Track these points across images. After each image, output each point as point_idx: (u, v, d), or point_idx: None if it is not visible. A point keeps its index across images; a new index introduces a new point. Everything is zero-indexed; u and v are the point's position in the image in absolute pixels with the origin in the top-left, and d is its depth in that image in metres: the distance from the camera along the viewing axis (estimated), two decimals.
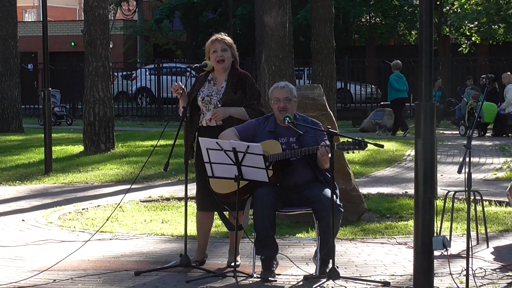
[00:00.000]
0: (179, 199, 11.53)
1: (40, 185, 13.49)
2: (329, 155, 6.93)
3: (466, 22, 36.16)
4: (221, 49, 7.52)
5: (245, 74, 7.57)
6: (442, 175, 13.93)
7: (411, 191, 11.28)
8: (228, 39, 7.60)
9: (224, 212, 7.56)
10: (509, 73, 24.05)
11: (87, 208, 10.99)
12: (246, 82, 7.51)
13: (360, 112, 29.63)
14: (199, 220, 7.71)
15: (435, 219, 6.52)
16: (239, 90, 7.47)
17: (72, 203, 11.47)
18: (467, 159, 6.24)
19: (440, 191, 9.11)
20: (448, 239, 7.87)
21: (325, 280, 6.81)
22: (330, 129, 6.97)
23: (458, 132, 23.68)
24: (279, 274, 7.15)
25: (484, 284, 6.79)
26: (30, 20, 62.88)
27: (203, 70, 7.59)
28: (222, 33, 7.70)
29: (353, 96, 33.62)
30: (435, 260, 6.59)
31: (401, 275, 7.13)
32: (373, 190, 12.24)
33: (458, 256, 7.82)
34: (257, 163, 6.87)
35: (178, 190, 12.38)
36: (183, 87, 7.51)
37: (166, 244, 8.67)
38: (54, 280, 7.10)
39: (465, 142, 6.35)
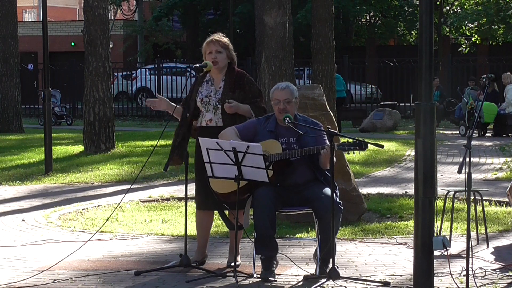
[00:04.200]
0: (179, 199, 11.53)
1: (40, 185, 13.49)
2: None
3: (466, 22, 36.16)
4: (215, 51, 7.55)
5: (242, 73, 7.60)
6: (442, 175, 13.93)
7: (411, 191, 11.28)
8: (225, 40, 7.62)
9: (224, 211, 7.56)
10: (509, 73, 24.05)
11: (87, 208, 10.99)
12: (244, 81, 7.54)
13: (360, 112, 29.64)
14: (199, 219, 7.71)
15: (435, 219, 6.52)
16: (238, 90, 7.50)
17: (72, 203, 11.47)
18: (467, 159, 6.24)
19: (440, 191, 9.12)
20: (448, 239, 7.87)
21: (325, 280, 6.81)
22: (330, 129, 6.97)
23: (458, 132, 23.69)
24: (279, 274, 7.15)
25: (484, 284, 6.79)
26: (30, 20, 62.87)
27: (203, 70, 7.60)
28: (220, 34, 7.71)
29: (353, 96, 33.63)
30: (435, 260, 6.59)
31: (401, 275, 7.13)
32: (373, 190, 12.24)
33: (458, 256, 7.82)
34: (257, 163, 6.87)
35: (178, 190, 12.38)
36: (160, 99, 7.59)
37: (166, 244, 8.67)
38: (54, 280, 7.10)
39: (465, 142, 6.35)
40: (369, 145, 7.12)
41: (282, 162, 7.14)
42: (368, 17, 42.94)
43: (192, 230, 8.21)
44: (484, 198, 8.92)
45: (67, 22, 48.33)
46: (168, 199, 11.66)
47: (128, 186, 11.66)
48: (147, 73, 36.16)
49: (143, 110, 34.59)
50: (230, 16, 32.87)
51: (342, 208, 7.07)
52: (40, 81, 33.18)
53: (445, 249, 6.81)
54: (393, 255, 7.95)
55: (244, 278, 7.07)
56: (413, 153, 14.49)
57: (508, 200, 9.14)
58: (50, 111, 15.53)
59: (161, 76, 34.09)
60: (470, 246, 6.38)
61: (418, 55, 6.49)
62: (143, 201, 11.56)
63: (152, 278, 7.13)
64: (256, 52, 15.95)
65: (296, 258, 7.71)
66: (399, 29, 41.78)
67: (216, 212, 7.72)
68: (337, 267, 6.89)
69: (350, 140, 7.01)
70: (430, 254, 6.44)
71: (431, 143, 6.47)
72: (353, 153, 7.06)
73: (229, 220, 7.51)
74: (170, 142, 20.56)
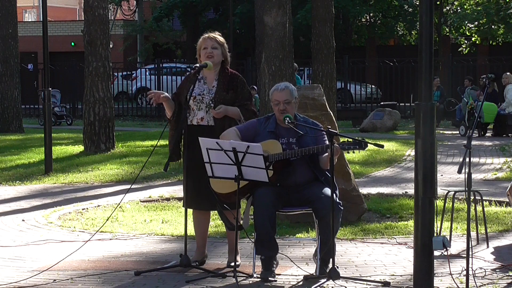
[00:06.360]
0: (179, 199, 11.52)
1: (40, 185, 13.49)
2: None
3: (466, 22, 36.15)
4: (211, 47, 7.57)
5: (235, 74, 7.62)
6: (442, 175, 13.93)
7: (411, 191, 11.28)
8: (220, 38, 7.64)
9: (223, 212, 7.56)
10: (509, 73, 24.06)
11: (87, 208, 10.99)
12: (237, 82, 7.56)
13: (360, 112, 29.64)
14: (195, 219, 7.73)
15: (435, 219, 6.52)
16: (231, 90, 7.52)
17: (72, 203, 11.47)
18: (467, 159, 6.24)
19: (440, 191, 9.11)
20: (448, 239, 7.87)
21: (325, 280, 6.81)
22: (330, 129, 6.98)
23: (458, 132, 23.69)
24: (279, 274, 7.15)
25: (484, 284, 6.79)
26: (30, 20, 62.89)
27: (203, 71, 7.60)
28: (216, 32, 7.73)
29: (353, 96, 33.63)
30: (435, 260, 6.59)
31: (401, 275, 7.13)
32: (373, 190, 12.24)
33: (458, 256, 7.82)
34: (257, 163, 6.87)
35: (178, 190, 12.37)
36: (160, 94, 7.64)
37: (166, 244, 8.67)
38: (54, 280, 7.10)
39: (465, 142, 6.35)
40: (369, 145, 7.13)
41: (282, 162, 7.14)
42: (368, 17, 42.93)
43: (192, 230, 8.21)
44: (484, 198, 8.91)
45: (67, 22, 48.32)
46: (168, 199, 11.67)
47: (128, 186, 11.66)
48: (147, 73, 36.16)
49: (143, 110, 34.58)
50: (230, 16, 32.88)
51: (342, 208, 7.07)
52: (40, 81, 33.18)
53: (445, 249, 6.82)
54: (393, 255, 7.95)
55: (244, 278, 7.07)
56: (413, 153, 14.49)
57: (508, 200, 9.14)
58: (50, 111, 15.54)
59: (161, 76, 34.08)
60: (470, 246, 6.38)
61: (418, 55, 6.49)
62: (143, 201, 11.56)
63: (152, 278, 7.13)
64: (256, 52, 15.93)
65: (296, 258, 7.71)
66: (399, 29, 41.77)
67: (215, 212, 7.72)
68: (337, 267, 6.88)
69: (350, 140, 7.02)
70: (430, 254, 6.44)
71: (431, 143, 6.47)
72: (353, 152, 7.06)
73: (229, 221, 7.50)
74: None
